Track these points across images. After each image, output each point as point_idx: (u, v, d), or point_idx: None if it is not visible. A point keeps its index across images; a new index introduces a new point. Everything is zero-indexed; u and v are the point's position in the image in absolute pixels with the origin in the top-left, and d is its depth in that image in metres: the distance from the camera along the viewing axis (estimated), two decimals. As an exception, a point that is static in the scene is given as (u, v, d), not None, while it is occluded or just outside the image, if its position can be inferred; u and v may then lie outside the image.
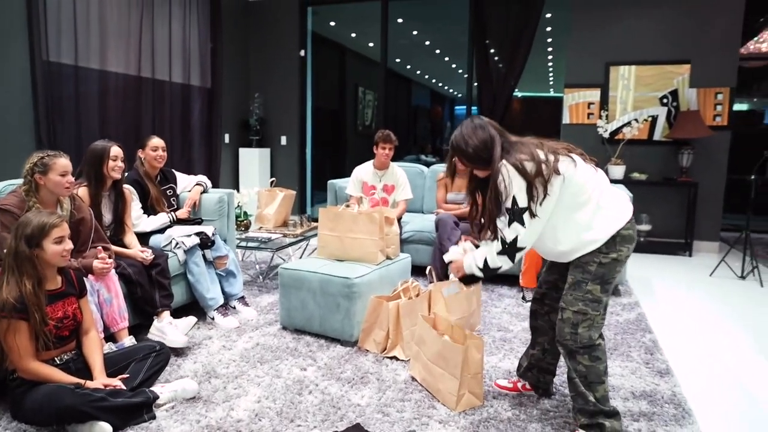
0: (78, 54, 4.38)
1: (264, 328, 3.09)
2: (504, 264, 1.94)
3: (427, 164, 5.76)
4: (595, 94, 5.50)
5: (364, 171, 4.22)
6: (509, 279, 4.02)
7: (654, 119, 5.38)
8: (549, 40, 7.84)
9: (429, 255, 3.96)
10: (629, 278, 4.26)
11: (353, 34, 8.44)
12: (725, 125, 5.21)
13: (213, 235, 3.22)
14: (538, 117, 11.24)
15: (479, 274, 2.02)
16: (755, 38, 6.62)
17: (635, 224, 1.95)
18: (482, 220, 2.03)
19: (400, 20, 7.11)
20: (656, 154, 5.40)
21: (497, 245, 1.92)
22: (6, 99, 3.89)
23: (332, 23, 7.74)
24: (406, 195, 4.19)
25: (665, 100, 5.33)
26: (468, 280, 2.12)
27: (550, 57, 9.00)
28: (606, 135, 5.37)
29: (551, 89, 11.42)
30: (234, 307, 3.28)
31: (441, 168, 4.38)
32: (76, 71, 4.38)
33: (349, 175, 4.36)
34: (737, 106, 8.22)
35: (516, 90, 6.25)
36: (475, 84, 6.12)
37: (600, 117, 5.43)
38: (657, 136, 5.39)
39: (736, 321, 3.39)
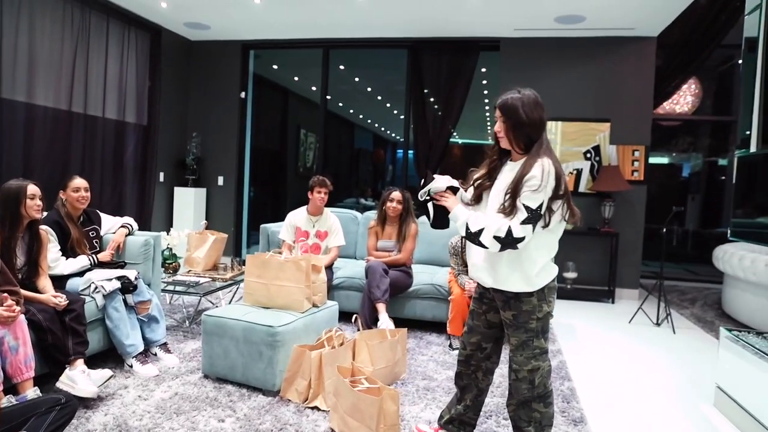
0: (1, 85, 4.25)
1: (185, 376, 3.01)
2: (492, 246, 1.85)
3: (366, 208, 5.86)
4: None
5: (298, 216, 4.25)
6: (437, 326, 4.09)
7: (579, 172, 5.71)
8: (486, 92, 8.25)
9: (359, 301, 3.99)
10: (554, 324, 4.43)
11: (296, 78, 8.58)
12: (642, 180, 5.60)
13: (136, 279, 3.14)
14: (478, 163, 11.63)
15: (462, 231, 1.93)
16: (669, 100, 7.19)
17: None
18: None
19: (341, 66, 7.30)
20: (581, 205, 5.59)
21: (499, 228, 1.82)
22: None
23: (275, 66, 7.86)
24: (338, 242, 4.24)
25: (588, 155, 5.69)
26: (441, 215, 2.04)
27: (487, 107, 9.44)
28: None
29: (489, 137, 11.94)
30: (155, 354, 3.18)
31: (373, 215, 4.46)
32: None
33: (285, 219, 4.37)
34: (658, 160, 8.88)
35: (456, 136, 6.50)
36: (412, 126, 6.33)
37: (529, 169, 5.72)
38: (582, 188, 5.71)
39: (650, 368, 3.57)
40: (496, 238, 1.83)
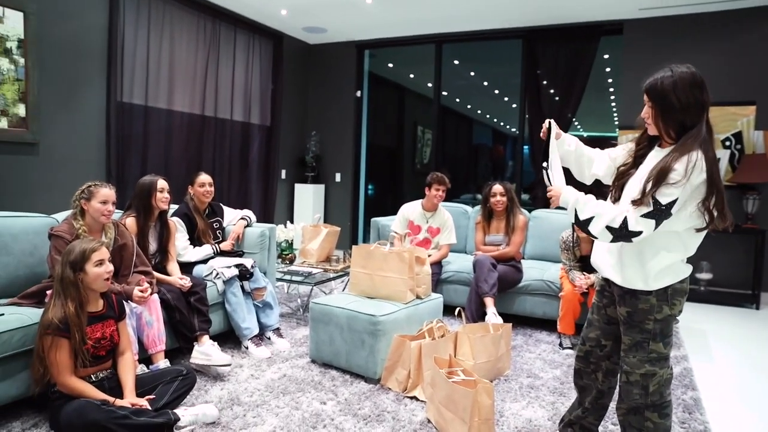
0: (148, 95, 4.79)
1: (294, 360, 3.19)
2: (602, 237, 1.74)
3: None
4: (651, 136, 5.36)
5: (412, 210, 4.30)
6: (548, 324, 3.93)
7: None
8: (610, 80, 7.74)
9: (467, 295, 3.95)
10: (681, 329, 4.06)
11: (411, 75, 8.67)
12: (795, 170, 4.92)
13: (252, 267, 3.38)
14: (605, 157, 10.94)
15: (571, 217, 1.82)
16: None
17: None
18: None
19: (456, 61, 7.26)
20: (719, 199, 5.15)
21: (613, 219, 1.70)
22: (83, 136, 4.31)
23: (390, 64, 8.01)
24: (450, 240, 4.23)
25: (728, 143, 5.12)
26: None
27: (612, 97, 8.85)
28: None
29: (617, 129, 11.19)
30: (269, 338, 3.40)
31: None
32: (146, 111, 4.79)
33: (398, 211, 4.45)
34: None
35: (579, 128, 6.18)
36: (527, 118, 6.12)
37: (657, 159, 5.28)
38: (720, 181, 5.15)
39: (795, 382, 3.15)
40: (609, 228, 1.70)
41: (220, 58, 5.49)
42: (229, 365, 2.86)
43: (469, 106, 11.13)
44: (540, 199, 6.11)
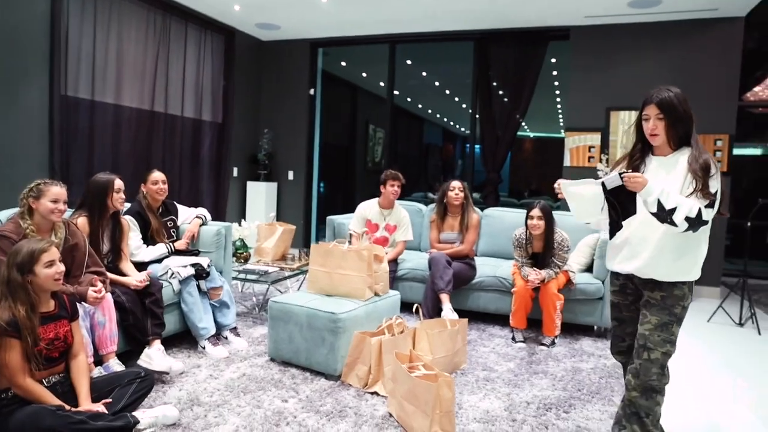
0: (94, 89, 4.62)
1: (253, 359, 3.17)
2: (681, 226, 1.85)
3: (433, 202, 5.87)
4: (595, 138, 5.61)
5: (369, 208, 4.33)
6: (501, 319, 4.06)
7: (655, 164, 5.46)
8: (556, 83, 8.03)
9: (422, 292, 4.02)
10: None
11: (364, 74, 8.71)
12: (725, 171, 5.26)
13: (208, 266, 3.33)
14: (549, 156, 11.35)
15: (652, 208, 1.87)
16: (761, 85, 6.69)
17: None
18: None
19: (408, 61, 7.34)
20: (657, 198, 5.45)
21: (691, 209, 1.84)
22: (24, 130, 4.11)
23: (343, 63, 8.01)
24: (406, 236, 4.30)
25: (665, 146, 5.41)
26: (627, 203, 1.93)
27: (558, 99, 9.18)
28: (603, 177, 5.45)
29: (562, 130, 11.61)
30: (225, 338, 3.36)
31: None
32: (92, 105, 4.62)
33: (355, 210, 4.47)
34: (750, 151, 8.28)
35: (526, 129, 6.38)
36: (478, 118, 6.27)
37: (600, 160, 5.52)
38: (658, 181, 5.45)
39: (729, 370, 3.38)
40: (688, 218, 1.85)
41: (170, 52, 5.36)
42: (167, 373, 2.80)
43: (420, 106, 11.28)
44: (490, 197, 6.27)
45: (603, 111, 5.56)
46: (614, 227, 1.99)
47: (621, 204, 1.93)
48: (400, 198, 4.45)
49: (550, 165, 10.22)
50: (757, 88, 6.63)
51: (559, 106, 9.69)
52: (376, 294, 3.27)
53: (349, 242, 3.42)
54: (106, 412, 2.17)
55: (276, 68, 6.81)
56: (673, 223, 1.86)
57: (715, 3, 4.88)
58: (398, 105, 7.33)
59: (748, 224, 4.40)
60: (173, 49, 5.40)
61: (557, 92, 8.64)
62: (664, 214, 1.86)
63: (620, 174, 1.89)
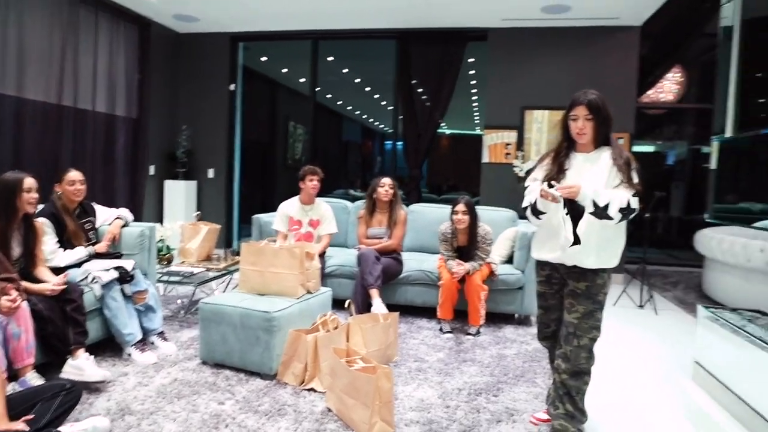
0: (-7, 81, 4.27)
1: (183, 363, 3.09)
2: (616, 218, 2.04)
3: (355, 198, 5.94)
4: (512, 136, 5.90)
5: (291, 206, 4.32)
6: (428, 311, 4.19)
7: (564, 160, 5.83)
8: (473, 82, 8.34)
9: (351, 288, 4.08)
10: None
11: (284, 70, 8.61)
12: (626, 167, 5.71)
13: (132, 269, 3.20)
14: (465, 153, 11.79)
15: (589, 208, 2.05)
16: (654, 88, 7.30)
17: None
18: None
19: (330, 58, 7.35)
20: (567, 192, 5.83)
21: (621, 201, 2.04)
22: None
23: (263, 58, 7.88)
24: (330, 230, 4.32)
25: (574, 143, 5.80)
26: (576, 209, 2.10)
27: (474, 97, 9.54)
28: (522, 174, 5.74)
29: (477, 127, 12.06)
30: (153, 343, 3.25)
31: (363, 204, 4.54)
32: (-10, 99, 4.26)
33: (277, 209, 4.44)
34: (644, 148, 9.04)
35: (444, 126, 6.58)
36: (401, 117, 6.40)
37: (516, 157, 5.82)
38: (567, 176, 5.83)
39: (633, 347, 3.71)
40: (621, 210, 2.04)
41: (79, 42, 5.03)
42: (104, 381, 2.70)
43: (340, 102, 11.31)
44: (413, 193, 6.42)
45: (518, 110, 5.86)
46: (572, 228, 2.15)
47: (572, 209, 2.12)
48: (322, 195, 4.47)
49: (466, 161, 10.60)
50: (650, 91, 7.24)
51: (475, 104, 10.08)
52: (309, 291, 3.28)
53: (274, 242, 3.41)
54: (27, 429, 2.05)
55: (195, 62, 6.59)
56: (609, 218, 2.05)
57: (616, 12, 5.30)
58: (318, 101, 7.31)
59: (646, 215, 4.82)
60: (83, 38, 5.07)
61: (473, 90, 8.99)
62: (599, 211, 2.04)
63: (550, 185, 2.08)
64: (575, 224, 2.12)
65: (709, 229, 5.32)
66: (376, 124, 14.15)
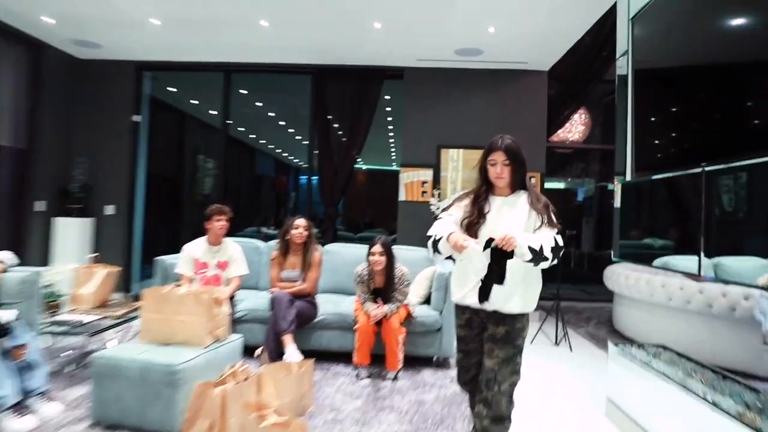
0: None
1: (71, 426, 2.84)
2: (551, 259, 2.12)
3: (268, 237, 5.84)
4: (428, 174, 6.08)
5: (196, 247, 4.17)
6: (344, 357, 4.14)
7: (480, 199, 6.08)
8: (390, 119, 8.56)
9: (263, 334, 3.96)
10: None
11: (194, 101, 8.42)
12: (538, 206, 6.03)
13: (17, 319, 2.94)
14: (382, 189, 11.97)
15: (526, 257, 2.09)
16: (562, 128, 7.82)
17: None
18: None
19: (243, 91, 7.29)
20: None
21: (550, 241, 2.13)
22: None
23: (172, 89, 7.67)
24: (240, 271, 4.20)
25: (488, 182, 6.07)
26: (503, 256, 2.11)
27: (391, 133, 9.77)
28: (438, 212, 5.92)
29: (394, 163, 12.32)
30: (34, 405, 2.97)
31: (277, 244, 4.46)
32: None
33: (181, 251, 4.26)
34: (555, 185, 9.63)
35: (360, 162, 6.66)
36: (316, 152, 6.42)
37: (433, 195, 5.99)
38: (483, 215, 6.07)
39: (550, 384, 3.84)
40: (553, 249, 2.12)
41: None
42: None
43: (253, 136, 11.18)
44: (329, 232, 6.40)
45: (434, 148, 6.07)
46: (493, 281, 2.18)
47: (498, 262, 2.14)
48: (230, 234, 4.37)
49: (383, 197, 10.78)
50: (559, 131, 7.74)
51: (392, 140, 10.32)
52: (217, 339, 3.15)
53: (179, 287, 3.27)
54: None
55: (96, 90, 6.28)
56: (545, 259, 2.12)
57: (525, 57, 5.68)
58: (231, 134, 7.19)
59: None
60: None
61: (390, 127, 9.21)
62: (537, 256, 2.11)
63: (491, 245, 2.11)
64: (497, 270, 2.16)
65: (617, 265, 5.68)
66: (291, 158, 14.08)
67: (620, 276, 5.32)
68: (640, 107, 3.20)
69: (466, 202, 2.40)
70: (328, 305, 4.23)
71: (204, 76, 6.63)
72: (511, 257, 2.11)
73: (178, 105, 8.31)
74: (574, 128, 7.81)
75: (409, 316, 3.97)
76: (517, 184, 2.32)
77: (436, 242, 2.24)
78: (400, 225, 6.14)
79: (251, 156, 12.11)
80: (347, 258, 4.69)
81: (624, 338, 5.30)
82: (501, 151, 2.27)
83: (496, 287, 2.20)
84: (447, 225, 2.29)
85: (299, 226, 4.20)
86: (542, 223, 2.23)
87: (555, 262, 2.16)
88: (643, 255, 3.20)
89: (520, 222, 2.25)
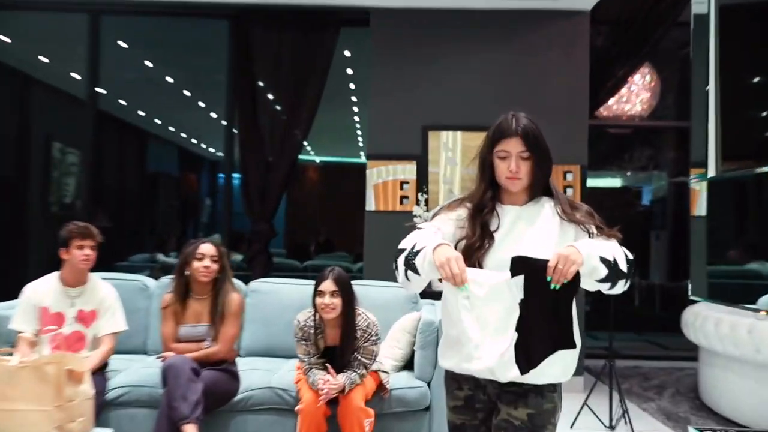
0: None
1: None
2: (629, 275, 2.09)
3: (166, 269, 5.75)
4: (409, 170, 6.06)
5: (44, 291, 4.08)
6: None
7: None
8: (352, 86, 8.55)
9: (151, 425, 3.89)
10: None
11: (43, 58, 8.30)
12: (579, 215, 6.03)
13: None
14: (347, 192, 11.90)
15: (624, 269, 2.06)
16: (615, 97, 7.83)
17: None
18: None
19: (123, 44, 7.22)
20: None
21: (620, 249, 2.12)
22: None
23: (5, 38, 7.54)
24: (113, 327, 4.11)
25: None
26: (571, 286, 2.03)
27: (356, 110, 9.76)
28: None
29: (362, 153, 12.30)
30: None
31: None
32: None
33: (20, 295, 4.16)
34: (607, 182, 9.66)
35: (311, 152, 6.60)
36: (238, 138, 6.37)
37: (417, 202, 5.97)
38: (495, 229, 6.06)
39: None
40: (628, 262, 2.10)
41: None
42: None
43: (142, 113, 11.09)
44: (259, 261, 6.32)
45: (419, 131, 6.06)
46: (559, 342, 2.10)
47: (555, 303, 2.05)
48: (105, 265, 4.29)
49: (347, 204, 10.75)
50: (611, 102, 7.74)
51: (357, 120, 10.31)
52: (72, 437, 3.08)
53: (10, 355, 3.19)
54: None
55: None
56: (623, 276, 2.07)
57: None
58: (105, 111, 7.08)
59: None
60: None
61: (354, 99, 9.20)
62: (613, 272, 2.03)
63: (522, 269, 2.03)
64: (554, 319, 2.08)
65: (704, 304, 5.64)
66: (204, 147, 13.97)
67: (708, 321, 5.32)
68: (728, 62, 3.21)
69: (460, 213, 2.33)
70: (255, 375, 4.18)
71: (59, 19, 6.55)
72: (576, 290, 2.04)
73: (17, 64, 8.18)
74: (635, 97, 7.83)
75: (380, 389, 3.94)
76: (539, 187, 2.27)
77: (411, 257, 2.13)
78: (368, 248, 6.12)
79: (141, 144, 12.01)
80: (285, 300, 4.66)
81: (715, 417, 5.31)
82: (517, 137, 2.19)
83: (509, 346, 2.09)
84: (432, 236, 2.20)
85: (204, 255, 4.13)
86: (590, 236, 2.18)
87: (627, 285, 2.13)
88: (740, 289, 3.20)
89: (547, 242, 2.18)
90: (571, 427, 5.04)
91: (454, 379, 2.33)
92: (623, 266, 2.05)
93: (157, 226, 12.56)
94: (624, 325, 8.07)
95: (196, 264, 4.13)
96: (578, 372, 5.99)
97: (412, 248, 2.12)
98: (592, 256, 2.00)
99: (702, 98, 3.34)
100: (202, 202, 14.42)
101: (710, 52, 3.25)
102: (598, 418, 5.16)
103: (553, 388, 2.18)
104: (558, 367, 2.12)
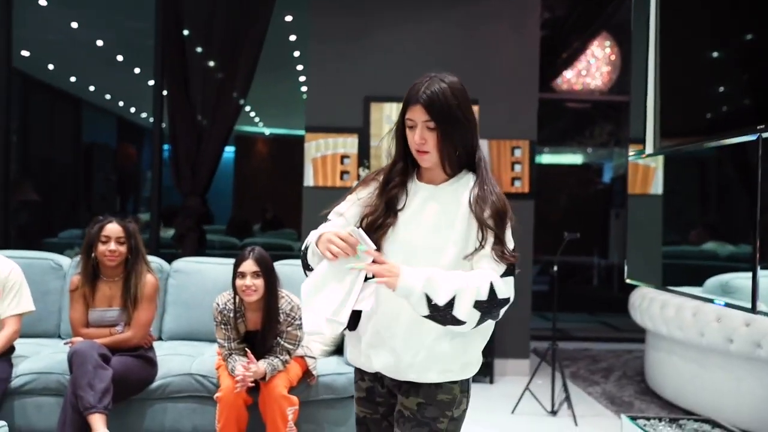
0: None
1: None
2: (470, 322, 1.91)
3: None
4: (350, 143, 5.99)
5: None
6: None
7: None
8: (296, 53, 8.45)
9: (57, 415, 3.81)
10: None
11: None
12: (527, 192, 6.03)
13: None
14: (296, 162, 11.80)
15: (422, 310, 1.89)
16: (572, 69, 7.80)
17: None
18: None
19: (42, 2, 7.07)
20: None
21: (478, 289, 1.89)
22: None
23: None
24: (18, 308, 4.02)
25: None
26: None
27: (302, 78, 9.67)
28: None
29: (305, 126, 12.19)
30: None
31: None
32: None
33: None
34: (568, 159, 9.65)
35: (260, 124, 6.49)
36: (167, 104, 6.25)
37: (359, 177, 5.91)
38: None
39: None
40: (478, 304, 1.89)
41: None
42: None
43: (73, 79, 10.90)
44: (190, 241, 6.22)
45: (360, 102, 5.99)
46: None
47: None
48: (36, 243, 4.19)
49: (297, 178, 10.67)
50: (568, 73, 7.72)
51: (304, 89, 10.21)
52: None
53: None
54: None
55: None
56: (456, 322, 1.91)
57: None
58: (30, 75, 6.88)
59: (554, 268, 5.07)
60: None
61: (300, 67, 9.11)
62: (439, 315, 1.90)
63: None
64: None
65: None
66: (143, 116, 13.78)
67: (654, 304, 5.35)
68: (669, 34, 3.19)
69: (374, 187, 2.20)
70: (174, 361, 4.14)
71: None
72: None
73: None
74: (594, 70, 7.77)
75: (306, 375, 3.92)
76: (451, 164, 2.09)
77: (304, 258, 2.11)
78: (306, 227, 6.03)
79: (75, 112, 11.80)
80: (208, 281, 4.60)
81: (659, 402, 5.35)
82: (420, 105, 2.02)
83: (398, 342, 2.05)
84: (326, 227, 2.13)
85: (109, 238, 4.01)
86: (482, 243, 1.99)
87: (483, 323, 1.96)
88: (693, 271, 3.20)
89: (451, 234, 2.04)
90: (512, 412, 5.04)
91: (358, 370, 2.28)
92: (461, 313, 1.89)
93: (93, 203, 12.38)
94: (581, 305, 8.11)
95: (101, 247, 4.01)
96: (524, 355, 6.03)
97: (306, 248, 2.12)
98: (413, 291, 1.87)
99: (642, 72, 3.31)
100: (143, 174, 14.24)
101: (650, 23, 3.22)
102: (539, 402, 5.17)
103: (452, 385, 2.10)
104: (437, 368, 2.07)
